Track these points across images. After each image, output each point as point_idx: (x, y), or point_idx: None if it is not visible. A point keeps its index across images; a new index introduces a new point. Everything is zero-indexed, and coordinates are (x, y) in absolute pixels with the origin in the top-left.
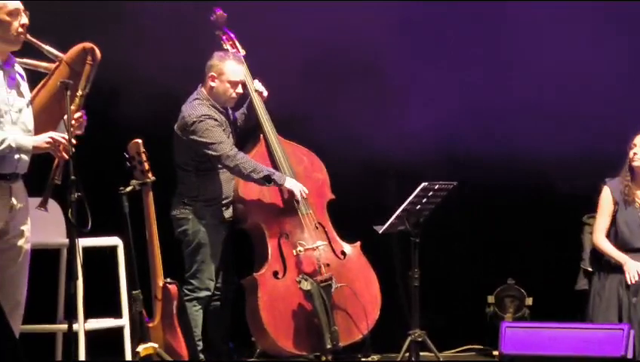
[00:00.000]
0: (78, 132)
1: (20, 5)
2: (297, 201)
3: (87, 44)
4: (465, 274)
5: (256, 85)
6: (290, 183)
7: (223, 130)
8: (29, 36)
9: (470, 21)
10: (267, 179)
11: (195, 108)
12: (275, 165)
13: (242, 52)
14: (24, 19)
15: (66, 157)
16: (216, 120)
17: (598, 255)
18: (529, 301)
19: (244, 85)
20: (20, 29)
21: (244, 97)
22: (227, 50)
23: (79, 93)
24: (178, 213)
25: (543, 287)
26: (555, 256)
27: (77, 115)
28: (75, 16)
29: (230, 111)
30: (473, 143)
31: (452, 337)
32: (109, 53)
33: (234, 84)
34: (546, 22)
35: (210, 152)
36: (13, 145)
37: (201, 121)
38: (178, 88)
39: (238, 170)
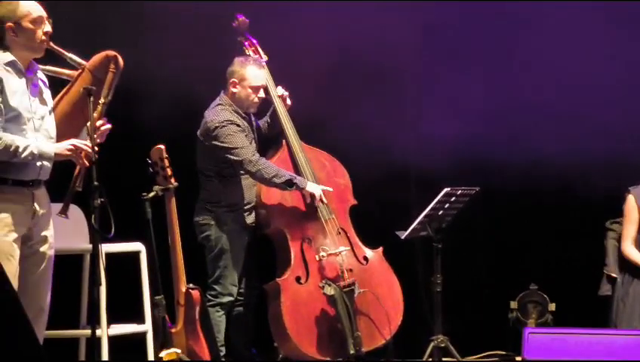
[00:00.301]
0: (100, 140)
1: (43, 13)
2: (318, 204)
3: (111, 52)
4: (487, 280)
5: (279, 91)
6: (312, 187)
7: (246, 135)
8: (52, 44)
9: (491, 24)
10: (289, 184)
11: (218, 113)
12: (297, 171)
13: (264, 58)
14: (47, 27)
15: (87, 164)
16: (238, 125)
17: (622, 261)
18: (552, 306)
19: (266, 90)
20: (44, 37)
21: (267, 104)
22: (249, 55)
23: (101, 100)
24: (201, 219)
25: (566, 293)
26: (578, 262)
27: (99, 122)
28: (96, 22)
29: (253, 119)
30: (495, 148)
31: (475, 343)
32: (130, 58)
33: (255, 89)
34: (568, 24)
35: (232, 157)
36: (36, 152)
37: (224, 126)
38: (200, 94)
39: (260, 175)
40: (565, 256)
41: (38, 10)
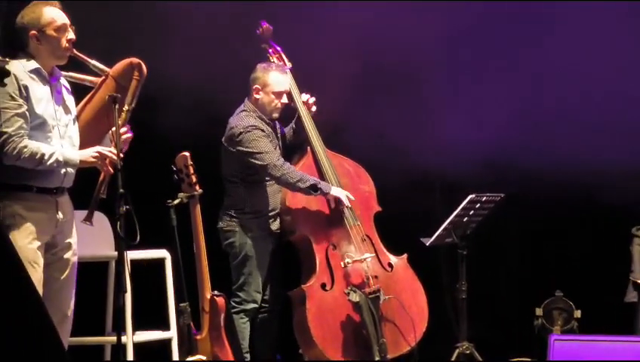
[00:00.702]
0: (124, 147)
1: (67, 20)
2: (344, 209)
3: (135, 60)
4: (512, 286)
5: (304, 98)
6: (336, 191)
7: (270, 140)
8: (75, 51)
9: (517, 29)
10: (313, 188)
11: (243, 119)
12: (322, 177)
13: (289, 65)
14: (71, 35)
15: (112, 171)
16: (263, 130)
17: None
18: (577, 313)
19: (289, 95)
20: (67, 44)
21: (292, 111)
22: (276, 63)
23: (125, 108)
24: (225, 226)
25: (591, 300)
26: (604, 268)
27: (122, 130)
28: (118, 28)
29: (278, 126)
30: (520, 154)
31: (500, 350)
32: (153, 65)
33: (278, 95)
34: (594, 30)
35: (256, 162)
36: (61, 159)
37: (248, 131)
38: (224, 100)
39: (284, 180)
40: (591, 262)
41: (62, 18)
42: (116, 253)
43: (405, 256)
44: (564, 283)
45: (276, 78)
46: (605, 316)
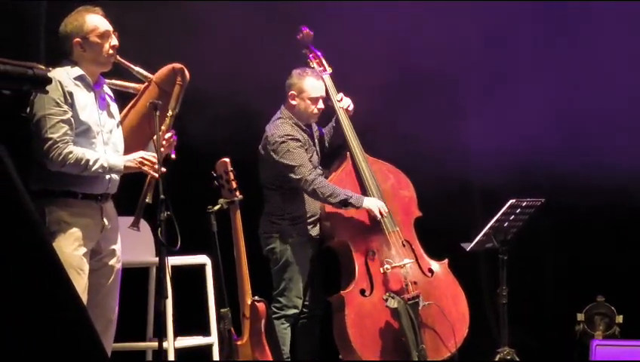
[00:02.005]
0: (169, 152)
1: (110, 27)
2: (379, 218)
3: (177, 65)
4: (554, 292)
5: (343, 102)
6: (369, 203)
7: (306, 150)
8: (119, 57)
9: (556, 31)
10: (344, 203)
11: (279, 127)
12: (361, 183)
13: (329, 70)
14: (114, 41)
15: (157, 176)
16: (298, 140)
17: None
18: (619, 319)
19: (324, 100)
20: (111, 51)
21: (331, 112)
22: (313, 67)
23: (169, 113)
24: (265, 231)
25: (633, 305)
26: None
27: (167, 135)
28: (154, 34)
29: (316, 128)
30: (560, 159)
31: (541, 355)
32: (195, 71)
33: (315, 100)
34: (633, 32)
35: (290, 175)
36: (106, 165)
37: (284, 141)
38: (263, 106)
39: (315, 195)
40: (633, 267)
41: (105, 25)
42: (157, 258)
43: (446, 261)
44: (605, 288)
45: (312, 84)
46: None
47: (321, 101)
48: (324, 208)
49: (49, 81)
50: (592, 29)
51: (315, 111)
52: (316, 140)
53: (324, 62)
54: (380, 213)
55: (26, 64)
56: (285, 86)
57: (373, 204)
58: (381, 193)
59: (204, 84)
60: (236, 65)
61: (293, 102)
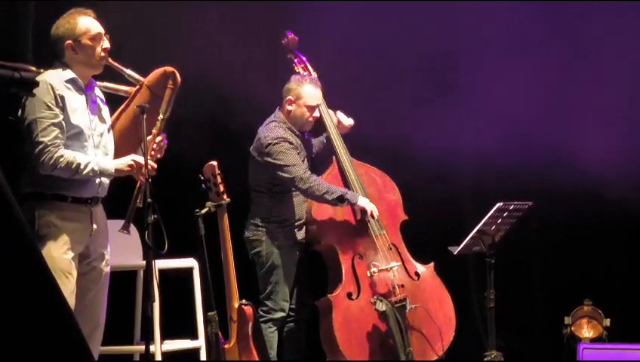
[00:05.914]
0: (160, 155)
1: (101, 30)
2: (369, 219)
3: (169, 68)
4: (541, 295)
5: (342, 118)
6: (363, 202)
7: (298, 153)
8: (110, 60)
9: (551, 36)
10: (340, 200)
11: (272, 130)
12: (347, 186)
13: (314, 74)
14: (106, 44)
15: (143, 179)
16: (291, 143)
17: None
18: (606, 322)
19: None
20: (103, 53)
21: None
22: (301, 73)
23: (160, 116)
24: (251, 235)
25: (620, 308)
26: (633, 277)
27: (158, 138)
28: (148, 38)
29: (307, 137)
30: (547, 163)
31: (529, 358)
32: (186, 73)
33: (311, 108)
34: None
35: (283, 175)
36: (97, 168)
37: (277, 143)
38: (254, 109)
39: (311, 192)
40: (619, 270)
41: (97, 27)
42: (144, 262)
43: (432, 264)
44: (593, 291)
45: (310, 92)
46: (634, 324)
47: (317, 110)
48: (310, 212)
49: (36, 84)
50: (592, 28)
51: (311, 119)
52: (308, 147)
53: (309, 67)
54: (371, 215)
55: (14, 66)
56: (283, 90)
57: (367, 203)
58: (367, 196)
59: (189, 86)
60: (227, 66)
61: (290, 108)
